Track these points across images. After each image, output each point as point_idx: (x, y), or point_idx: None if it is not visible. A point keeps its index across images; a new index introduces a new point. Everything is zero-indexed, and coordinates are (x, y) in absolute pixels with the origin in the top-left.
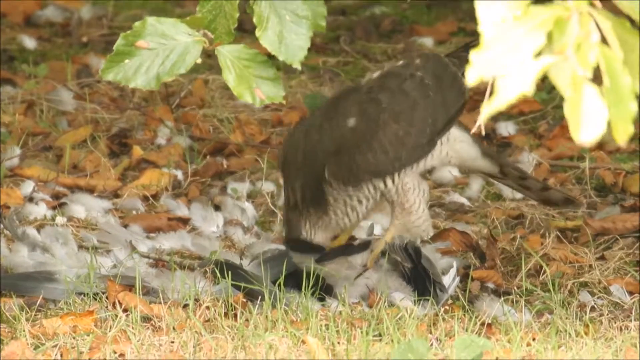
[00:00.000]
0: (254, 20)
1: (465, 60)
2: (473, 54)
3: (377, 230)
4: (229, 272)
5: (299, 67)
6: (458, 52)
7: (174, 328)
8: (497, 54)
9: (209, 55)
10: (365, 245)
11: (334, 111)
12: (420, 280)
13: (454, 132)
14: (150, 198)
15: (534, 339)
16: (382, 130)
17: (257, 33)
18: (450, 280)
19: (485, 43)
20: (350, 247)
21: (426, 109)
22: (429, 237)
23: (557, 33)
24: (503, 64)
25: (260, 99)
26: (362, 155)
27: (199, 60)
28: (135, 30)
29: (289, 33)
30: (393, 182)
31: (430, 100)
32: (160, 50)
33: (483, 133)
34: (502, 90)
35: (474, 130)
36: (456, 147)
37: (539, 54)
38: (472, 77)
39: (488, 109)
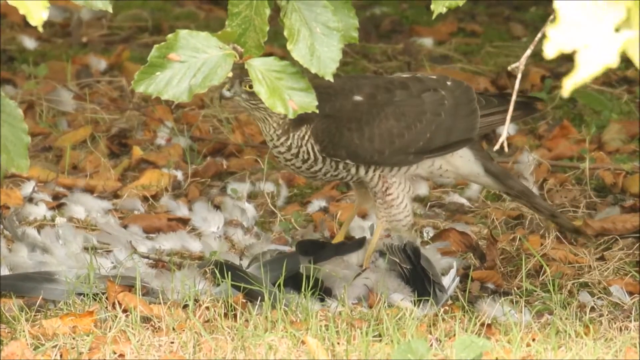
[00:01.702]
0: (285, 33)
1: (492, 104)
2: (550, 30)
3: None
4: (229, 273)
5: (332, 79)
6: (491, 95)
7: (173, 328)
8: (576, 27)
9: None
10: (360, 244)
11: (353, 81)
12: (419, 280)
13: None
14: (150, 198)
15: (533, 340)
16: (380, 120)
17: (289, 46)
18: (450, 280)
19: (562, 18)
20: (344, 246)
21: (430, 124)
22: (409, 230)
23: (634, 8)
24: (583, 37)
25: (293, 109)
26: (350, 131)
27: (230, 74)
28: (168, 43)
29: (320, 45)
30: (366, 172)
31: (439, 119)
32: (192, 63)
33: (506, 149)
34: (584, 63)
35: (496, 147)
36: (455, 162)
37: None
38: (551, 50)
39: (571, 81)
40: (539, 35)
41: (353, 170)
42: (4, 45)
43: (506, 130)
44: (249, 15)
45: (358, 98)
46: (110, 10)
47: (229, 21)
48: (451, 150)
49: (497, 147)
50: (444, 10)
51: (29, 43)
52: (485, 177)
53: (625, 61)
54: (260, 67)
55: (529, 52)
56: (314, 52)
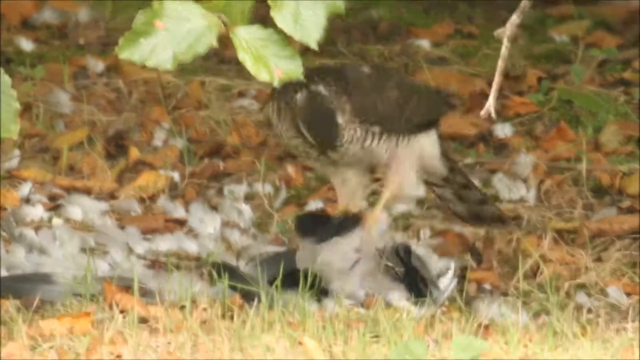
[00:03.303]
0: (268, 1)
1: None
2: None
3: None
4: (226, 274)
5: (316, 48)
6: None
7: (170, 330)
8: None
9: (205, 58)
10: (357, 220)
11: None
12: (414, 282)
13: None
14: (147, 200)
15: (530, 341)
16: (389, 89)
17: (272, 13)
18: (447, 281)
19: None
20: (344, 225)
21: (415, 97)
22: (412, 199)
23: None
24: None
25: (278, 76)
26: (374, 100)
27: (215, 44)
28: (154, 9)
29: (305, 11)
30: (380, 137)
31: (415, 99)
32: (176, 31)
33: (493, 114)
34: None
35: (483, 112)
36: (423, 141)
37: None
38: None
39: None
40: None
41: (375, 143)
42: (1, 47)
43: (492, 98)
44: None
45: (366, 70)
46: None
47: None
48: (433, 127)
49: (483, 112)
50: None
51: (26, 45)
52: (440, 160)
53: (622, 62)
54: (244, 36)
55: (515, 17)
56: (298, 19)
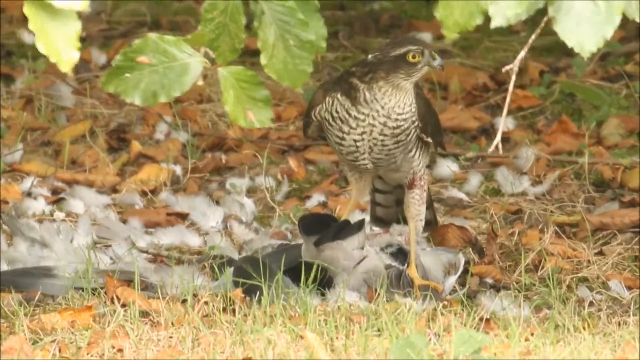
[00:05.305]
0: (259, 45)
1: None
2: None
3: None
4: (229, 268)
5: (301, 91)
6: None
7: (172, 323)
8: None
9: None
10: (359, 227)
11: None
12: (408, 283)
13: None
14: (149, 193)
15: (532, 334)
16: (425, 99)
17: (263, 61)
18: (455, 278)
19: None
20: (344, 230)
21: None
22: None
23: None
24: None
25: (250, 121)
26: (429, 108)
27: (200, 82)
28: (136, 47)
29: (293, 58)
30: (419, 155)
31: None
32: (161, 67)
33: (500, 150)
34: None
35: (492, 149)
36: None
37: None
38: None
39: None
40: (537, 31)
41: (411, 154)
42: (2, 40)
43: (501, 130)
44: (223, 22)
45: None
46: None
47: (202, 26)
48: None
49: (492, 148)
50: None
51: (28, 37)
52: None
53: (624, 55)
54: (230, 76)
55: (523, 53)
56: (287, 65)
